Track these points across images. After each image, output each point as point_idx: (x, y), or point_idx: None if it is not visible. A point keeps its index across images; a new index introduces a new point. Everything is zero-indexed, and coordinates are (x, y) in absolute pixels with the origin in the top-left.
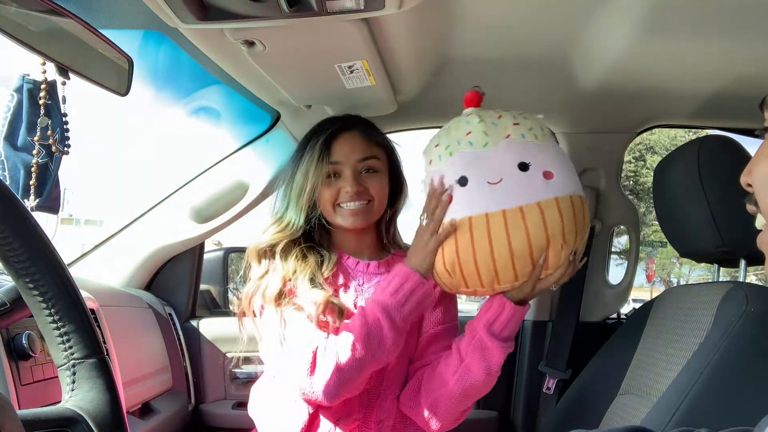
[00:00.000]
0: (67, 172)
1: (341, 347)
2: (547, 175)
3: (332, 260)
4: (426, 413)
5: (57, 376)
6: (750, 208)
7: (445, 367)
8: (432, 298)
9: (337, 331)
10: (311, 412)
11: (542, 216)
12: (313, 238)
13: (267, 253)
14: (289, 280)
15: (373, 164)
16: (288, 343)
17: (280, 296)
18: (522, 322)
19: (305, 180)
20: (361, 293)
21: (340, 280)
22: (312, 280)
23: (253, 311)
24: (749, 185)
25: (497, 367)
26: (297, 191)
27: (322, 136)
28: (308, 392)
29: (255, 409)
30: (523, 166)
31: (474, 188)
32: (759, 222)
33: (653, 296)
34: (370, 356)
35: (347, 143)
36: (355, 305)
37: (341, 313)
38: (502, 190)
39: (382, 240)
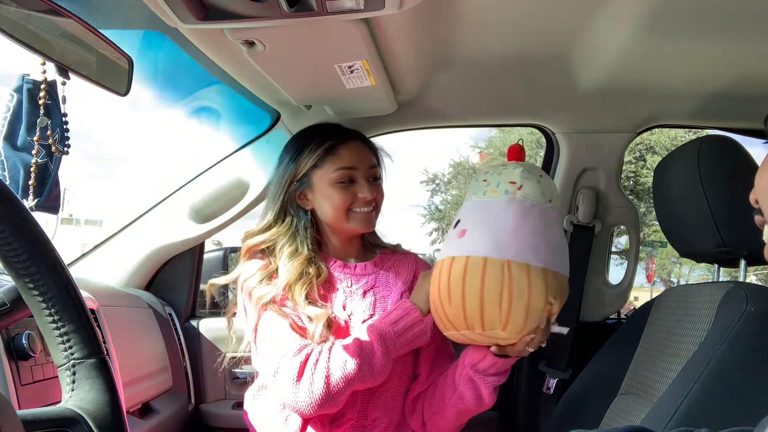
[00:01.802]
0: (67, 172)
1: (333, 361)
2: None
3: (324, 271)
4: (429, 428)
5: (57, 376)
6: (758, 218)
7: (442, 391)
8: (426, 335)
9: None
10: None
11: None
12: (311, 241)
13: (265, 251)
14: (285, 290)
15: (380, 173)
16: (277, 349)
17: (270, 302)
18: (511, 367)
19: (303, 176)
20: (350, 295)
21: (329, 285)
22: (308, 294)
23: (245, 307)
24: (756, 202)
25: (488, 395)
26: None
27: (328, 141)
28: (289, 400)
29: (249, 415)
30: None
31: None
32: (766, 235)
33: (653, 296)
34: (357, 376)
35: (357, 150)
36: (344, 307)
37: (330, 326)
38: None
39: (366, 243)
